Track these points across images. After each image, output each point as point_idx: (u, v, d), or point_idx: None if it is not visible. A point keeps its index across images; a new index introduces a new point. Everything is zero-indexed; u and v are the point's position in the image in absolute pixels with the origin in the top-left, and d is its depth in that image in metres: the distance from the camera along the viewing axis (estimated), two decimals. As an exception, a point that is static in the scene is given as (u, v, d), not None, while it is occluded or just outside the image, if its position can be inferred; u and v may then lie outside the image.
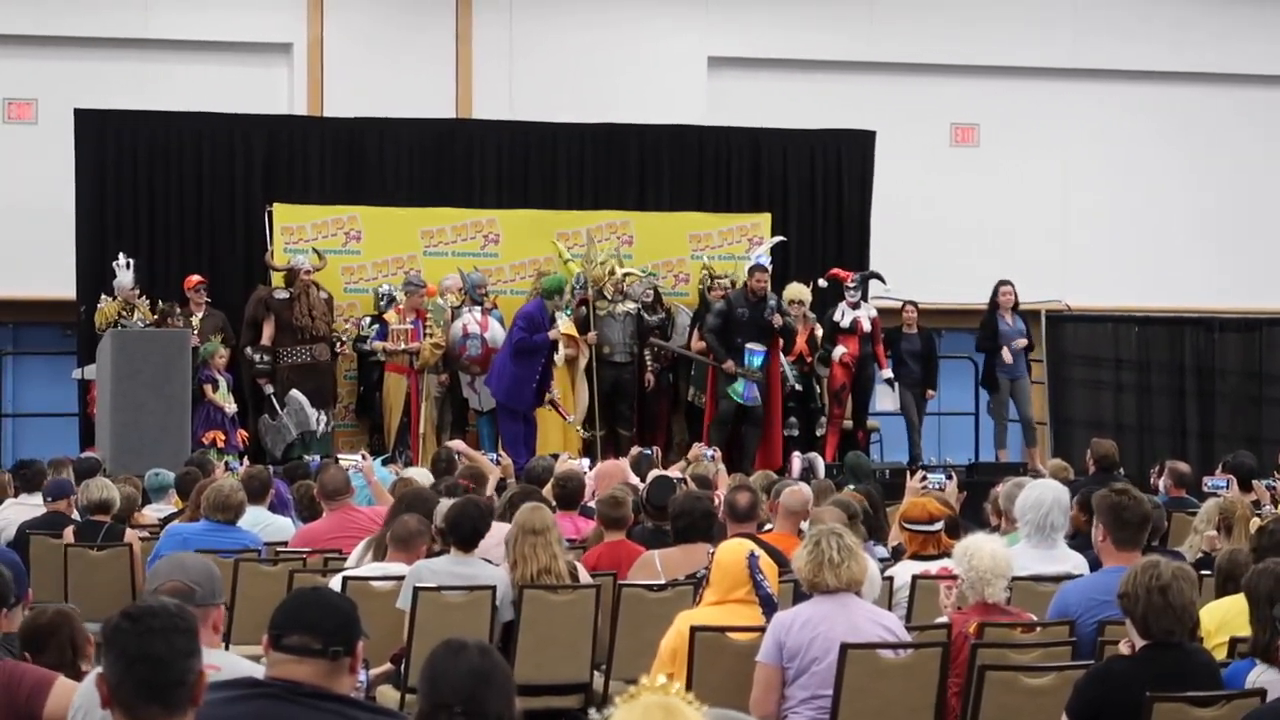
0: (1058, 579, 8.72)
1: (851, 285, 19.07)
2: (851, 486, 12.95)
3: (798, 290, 19.18)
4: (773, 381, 18.59)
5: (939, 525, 9.40)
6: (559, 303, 18.14)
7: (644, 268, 19.38)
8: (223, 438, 17.68)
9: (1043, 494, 9.27)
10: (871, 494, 11.67)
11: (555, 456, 15.30)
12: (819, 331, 19.23)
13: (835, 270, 19.53)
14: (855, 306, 19.02)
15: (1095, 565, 8.74)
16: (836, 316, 19.03)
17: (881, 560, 9.92)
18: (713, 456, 15.79)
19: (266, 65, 21.49)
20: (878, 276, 19.53)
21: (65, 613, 6.10)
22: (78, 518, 11.92)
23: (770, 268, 18.73)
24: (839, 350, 18.95)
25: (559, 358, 18.49)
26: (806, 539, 7.56)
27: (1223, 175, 23.62)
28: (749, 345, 18.15)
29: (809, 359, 19.13)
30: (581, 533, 11.18)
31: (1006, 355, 19.40)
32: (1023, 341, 19.57)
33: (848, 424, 19.27)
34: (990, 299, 19.64)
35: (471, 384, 18.62)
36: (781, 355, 18.73)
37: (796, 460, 17.10)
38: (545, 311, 17.91)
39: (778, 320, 18.19)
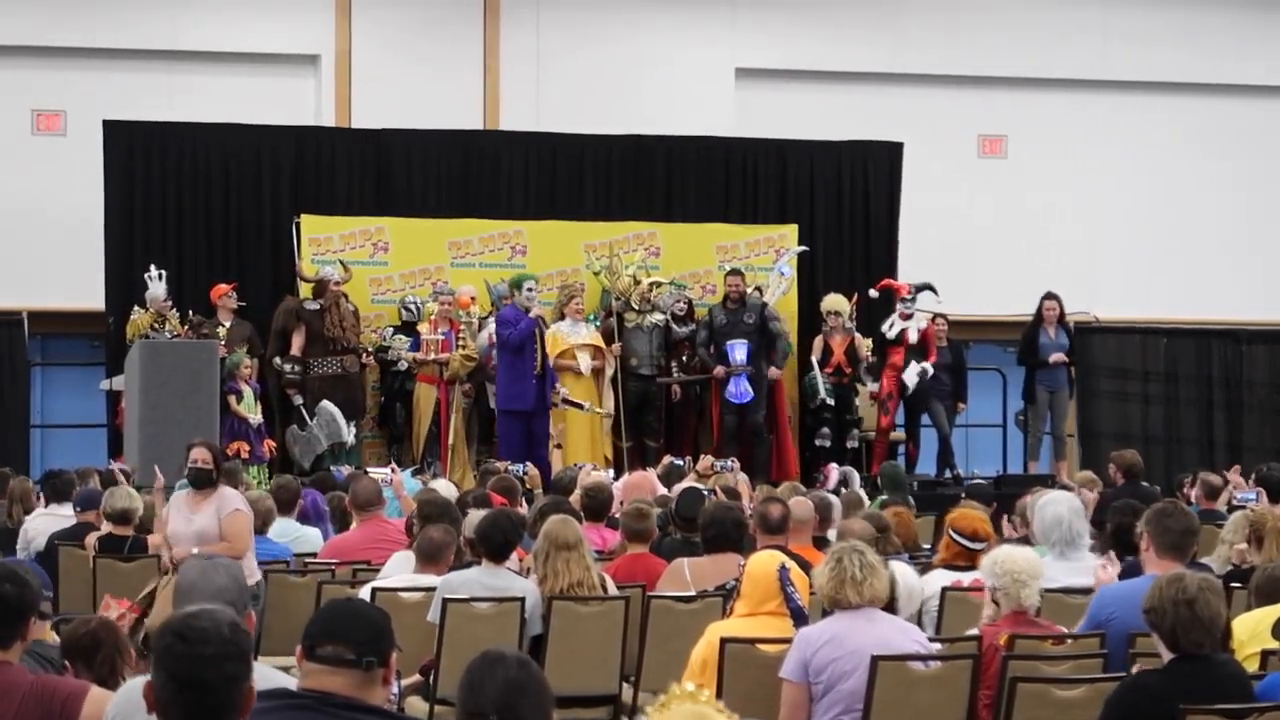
0: (1086, 591, 8.70)
1: (908, 297, 18.94)
2: (884, 498, 12.94)
3: (836, 301, 19.19)
4: (776, 392, 18.76)
5: (981, 545, 9.28)
6: (522, 296, 17.76)
7: (673, 279, 19.39)
8: (247, 449, 17.69)
9: (1058, 509, 9.30)
10: (907, 505, 11.63)
11: (579, 467, 15.29)
12: (859, 342, 19.17)
13: (888, 281, 19.45)
14: (908, 318, 18.91)
15: (1123, 575, 8.74)
16: (884, 327, 18.92)
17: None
18: (730, 467, 15.77)
19: (294, 76, 21.53)
20: (930, 288, 19.39)
21: (109, 625, 6.03)
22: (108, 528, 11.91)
23: (791, 275, 19.15)
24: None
25: (585, 367, 18.53)
26: (828, 555, 7.53)
27: (1251, 186, 23.57)
28: (730, 342, 18.30)
29: (847, 370, 19.09)
30: (608, 544, 11.18)
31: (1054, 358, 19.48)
32: (1059, 356, 19.55)
33: (896, 435, 19.28)
34: (1035, 312, 19.65)
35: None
36: (817, 368, 18.81)
37: (834, 472, 16.89)
38: (516, 308, 17.76)
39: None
